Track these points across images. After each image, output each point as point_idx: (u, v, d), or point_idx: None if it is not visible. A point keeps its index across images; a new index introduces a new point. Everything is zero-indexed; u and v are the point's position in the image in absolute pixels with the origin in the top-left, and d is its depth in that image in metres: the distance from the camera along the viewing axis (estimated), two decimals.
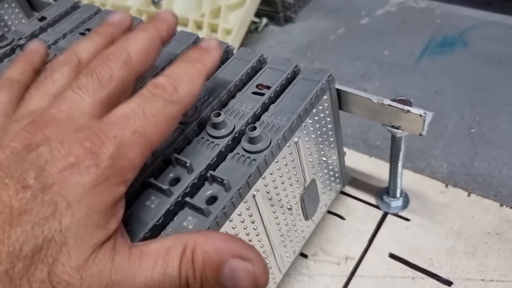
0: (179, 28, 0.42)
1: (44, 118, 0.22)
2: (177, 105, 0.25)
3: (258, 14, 0.76)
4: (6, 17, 0.55)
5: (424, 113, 0.33)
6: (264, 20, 0.77)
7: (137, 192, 0.29)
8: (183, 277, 0.21)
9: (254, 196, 0.30)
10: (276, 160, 0.31)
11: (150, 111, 0.23)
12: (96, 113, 0.23)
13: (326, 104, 0.35)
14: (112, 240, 0.21)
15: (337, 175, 0.41)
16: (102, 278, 0.20)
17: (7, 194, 0.20)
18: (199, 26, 0.71)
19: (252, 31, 0.76)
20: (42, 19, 0.47)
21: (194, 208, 0.27)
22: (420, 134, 0.34)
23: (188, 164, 0.29)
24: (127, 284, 0.20)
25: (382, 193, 0.44)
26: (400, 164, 0.39)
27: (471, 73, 0.59)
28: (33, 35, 0.45)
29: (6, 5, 0.55)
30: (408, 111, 0.33)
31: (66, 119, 0.22)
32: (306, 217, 0.37)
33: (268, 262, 0.34)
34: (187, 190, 0.28)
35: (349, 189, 0.46)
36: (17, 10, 0.56)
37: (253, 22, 0.76)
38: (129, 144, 0.22)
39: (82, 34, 0.43)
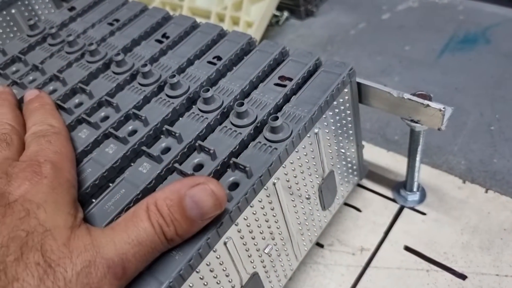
0: (203, 21, 0.43)
1: None
2: (62, 132, 0.31)
3: (280, 7, 0.76)
4: (36, 7, 0.57)
5: (443, 108, 0.33)
6: (285, 14, 0.77)
7: (163, 177, 0.30)
8: (156, 226, 0.24)
9: (274, 184, 0.31)
10: (296, 150, 0.32)
11: (52, 139, 0.29)
12: (16, 158, 0.28)
13: (346, 97, 0.36)
14: (84, 225, 0.25)
15: (354, 167, 0.42)
16: (86, 246, 0.23)
17: None
18: (221, 19, 0.72)
19: (273, 24, 0.77)
20: (71, 9, 0.49)
21: None
22: (439, 129, 0.35)
23: (211, 151, 0.30)
24: (108, 247, 0.23)
25: (399, 187, 0.45)
26: (418, 159, 0.40)
27: (493, 70, 0.59)
28: (63, 25, 0.47)
29: None
30: (428, 105, 0.34)
31: None
32: (324, 207, 0.38)
33: (285, 249, 0.35)
34: (211, 176, 0.29)
35: (366, 182, 0.46)
36: (47, 0, 0.58)
37: (274, 16, 0.77)
38: (58, 161, 0.27)
39: (110, 24, 0.45)
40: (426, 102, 0.34)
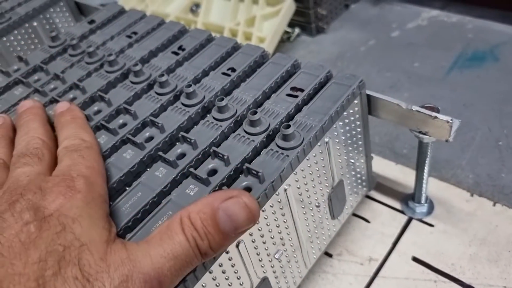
0: (217, 35, 0.45)
1: (12, 186, 0.26)
2: (94, 146, 0.32)
3: (291, 24, 0.78)
4: (57, 20, 0.59)
5: (451, 120, 0.34)
6: (297, 30, 0.79)
7: (178, 181, 0.31)
8: (190, 240, 0.24)
9: (285, 190, 0.32)
10: (307, 158, 0.33)
11: (84, 154, 0.30)
12: (48, 173, 0.28)
13: (356, 108, 0.37)
14: (118, 239, 0.25)
15: (363, 178, 0.42)
16: (123, 260, 0.23)
17: (9, 233, 0.23)
18: (234, 34, 0.74)
19: (284, 41, 0.79)
20: (91, 22, 0.51)
21: None
22: (446, 140, 0.35)
23: (225, 157, 0.31)
24: (145, 261, 0.23)
25: (408, 198, 0.45)
26: (426, 170, 0.41)
27: (501, 87, 0.60)
28: (83, 37, 0.49)
29: (58, 9, 0.59)
30: (436, 117, 0.35)
31: (30, 181, 0.27)
32: (333, 216, 0.39)
33: (295, 255, 0.36)
34: (223, 181, 0.30)
35: (374, 194, 0.47)
36: (67, 14, 0.61)
37: (286, 32, 0.78)
38: (91, 176, 0.28)
39: (129, 36, 0.47)
40: (434, 114, 0.35)
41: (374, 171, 0.46)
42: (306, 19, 0.78)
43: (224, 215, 0.24)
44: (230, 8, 0.76)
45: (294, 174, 0.32)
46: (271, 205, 0.31)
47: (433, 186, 0.46)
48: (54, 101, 0.40)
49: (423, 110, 0.35)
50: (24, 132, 0.32)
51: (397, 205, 0.46)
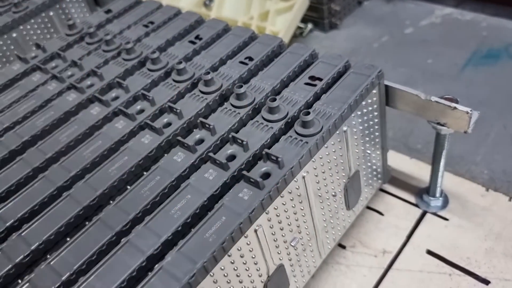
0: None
1: None
2: None
3: (304, 19, 0.78)
4: (73, 10, 0.60)
5: (470, 111, 0.34)
6: (310, 26, 0.79)
7: (197, 166, 0.31)
8: None
9: (304, 177, 0.32)
10: (326, 146, 0.33)
11: None
12: None
13: (374, 98, 0.37)
14: None
15: (379, 170, 0.42)
16: None
17: None
18: None
19: (297, 36, 0.79)
20: (108, 11, 0.51)
21: (250, 181, 0.29)
22: (465, 132, 0.35)
23: (244, 143, 0.31)
24: None
25: (422, 192, 0.45)
26: (442, 163, 0.40)
27: None
28: (100, 25, 0.49)
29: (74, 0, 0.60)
30: (455, 108, 0.34)
31: None
32: (348, 207, 0.39)
33: (310, 244, 0.36)
34: (242, 166, 0.30)
35: (388, 187, 0.47)
36: (83, 5, 0.61)
37: (299, 27, 0.78)
38: None
39: (145, 26, 0.47)
40: (453, 104, 0.35)
41: (388, 165, 0.46)
42: (319, 14, 0.77)
43: None
44: (243, 2, 0.76)
45: (313, 161, 0.32)
46: (290, 191, 0.31)
47: (447, 181, 0.46)
48: (72, 87, 0.40)
49: (442, 100, 0.35)
50: None
51: (411, 198, 0.45)
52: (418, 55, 0.68)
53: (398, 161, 0.49)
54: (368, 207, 0.45)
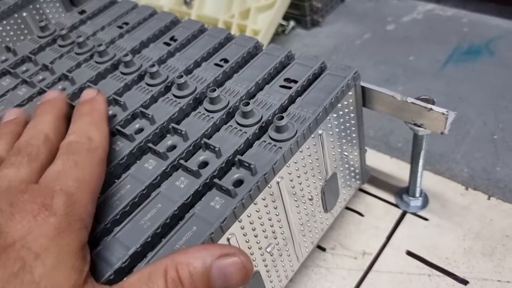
0: (209, 26, 0.44)
1: None
2: (98, 150, 0.28)
3: (286, 17, 0.77)
4: (47, 11, 0.58)
5: (446, 112, 0.34)
6: (292, 23, 0.78)
7: (168, 173, 0.30)
8: None
9: (278, 182, 0.31)
10: (300, 150, 0.32)
11: (80, 160, 0.26)
12: (35, 180, 0.25)
13: (350, 100, 0.37)
14: (90, 282, 0.22)
15: (357, 171, 0.42)
16: None
17: None
18: (228, 27, 0.73)
19: (279, 34, 0.78)
20: (82, 12, 0.50)
21: (222, 189, 0.28)
22: (442, 133, 0.35)
23: (217, 149, 0.30)
24: None
25: (402, 192, 0.45)
26: (420, 163, 0.40)
27: (496, 81, 0.60)
28: (73, 27, 0.48)
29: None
30: (431, 109, 0.34)
31: (7, 189, 0.23)
32: (326, 209, 0.38)
33: (287, 249, 0.35)
34: (215, 173, 0.30)
35: (369, 188, 0.47)
36: (57, 5, 0.60)
37: (281, 25, 0.78)
38: (76, 192, 0.24)
39: (120, 27, 0.46)
40: (429, 106, 0.34)
41: (368, 165, 0.45)
42: (301, 12, 0.77)
43: (219, 274, 0.22)
44: (224, 1, 0.75)
45: (287, 166, 0.31)
46: (263, 197, 0.30)
47: (427, 180, 0.46)
48: (42, 92, 0.39)
49: (418, 101, 0.35)
50: (33, 125, 0.29)
51: (391, 198, 0.45)
52: (400, 52, 0.68)
53: (378, 160, 0.49)
54: (349, 208, 0.45)
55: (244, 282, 0.23)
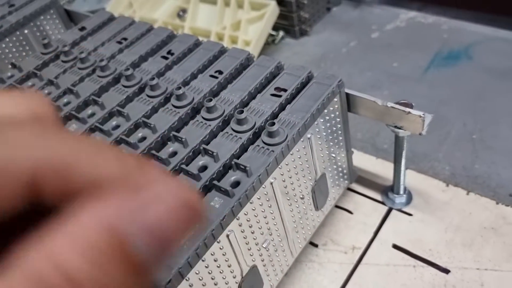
0: (203, 40, 0.47)
1: None
2: None
3: (275, 27, 0.80)
4: (47, 27, 0.61)
5: (423, 114, 0.37)
6: (281, 33, 0.81)
7: None
8: None
9: (271, 183, 0.34)
10: (291, 153, 0.35)
11: None
12: None
13: (336, 106, 0.40)
14: None
15: (345, 171, 0.45)
16: None
17: None
18: (220, 38, 0.77)
19: (269, 43, 0.81)
20: (82, 29, 0.53)
21: (221, 190, 0.31)
22: (420, 134, 0.38)
23: (215, 154, 0.33)
24: None
25: (387, 190, 0.48)
26: (403, 163, 0.43)
27: (475, 84, 0.63)
28: (75, 43, 0.51)
29: (48, 17, 0.61)
30: (409, 112, 0.37)
31: None
32: (317, 208, 0.41)
33: (282, 245, 0.38)
34: (214, 176, 0.33)
35: (357, 187, 0.50)
36: (57, 21, 0.62)
37: (271, 35, 0.81)
38: None
39: (119, 42, 0.49)
40: (407, 109, 0.37)
41: (356, 165, 0.49)
42: (290, 22, 0.80)
43: (145, 238, 0.12)
44: (216, 13, 0.79)
45: (279, 168, 0.34)
46: (259, 197, 0.33)
47: (411, 178, 0.49)
48: (95, 129, 0.39)
49: (397, 106, 0.38)
50: None
51: (378, 196, 0.48)
52: (384, 59, 0.72)
53: (365, 161, 0.52)
54: (338, 206, 0.48)
55: (194, 220, 0.14)
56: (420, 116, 0.37)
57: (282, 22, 0.81)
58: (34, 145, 0.12)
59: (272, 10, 0.75)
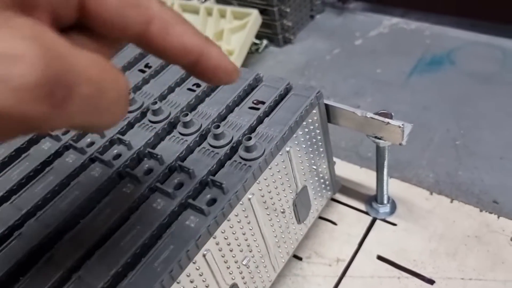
0: None
1: None
2: None
3: (259, 36, 0.80)
4: None
5: (402, 125, 0.37)
6: (265, 42, 0.81)
7: (144, 196, 0.32)
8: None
9: (249, 199, 0.33)
10: (269, 167, 0.35)
11: None
12: None
13: (315, 117, 0.39)
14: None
15: (327, 182, 0.44)
16: None
17: None
18: None
19: (253, 52, 0.81)
20: None
21: (196, 208, 0.30)
22: (400, 144, 0.38)
23: (191, 171, 0.33)
24: None
25: (371, 200, 0.47)
26: (385, 172, 0.43)
27: (457, 89, 0.63)
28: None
29: None
30: (388, 123, 0.37)
31: None
32: (299, 221, 0.41)
33: (263, 261, 0.37)
34: (190, 193, 0.32)
35: (341, 197, 0.49)
36: None
37: (254, 44, 0.80)
38: None
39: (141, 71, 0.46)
40: (386, 120, 0.37)
41: (339, 175, 0.48)
42: (273, 31, 0.80)
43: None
44: (198, 23, 0.78)
45: (257, 183, 0.34)
46: (236, 214, 0.32)
47: (395, 187, 0.48)
48: (70, 147, 0.37)
49: (376, 116, 0.37)
50: None
51: (362, 206, 0.48)
52: (368, 65, 0.72)
53: (349, 171, 0.51)
54: (322, 218, 0.48)
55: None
56: (399, 127, 0.36)
57: (266, 31, 0.81)
58: None
59: (254, 19, 0.75)
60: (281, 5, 0.77)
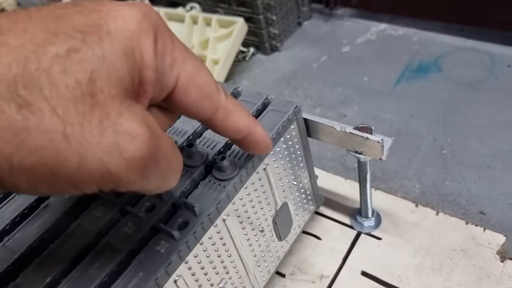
0: None
1: None
2: None
3: (246, 44, 0.79)
4: None
5: (381, 140, 0.36)
6: (251, 50, 0.80)
7: (115, 219, 0.31)
8: None
9: (224, 220, 0.32)
10: (245, 186, 0.34)
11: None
12: None
13: (294, 133, 0.38)
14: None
15: (309, 197, 0.43)
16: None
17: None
18: None
19: (240, 60, 0.80)
20: None
21: (167, 233, 0.29)
22: (380, 159, 0.37)
23: (162, 193, 0.32)
24: None
25: (356, 213, 0.46)
26: (368, 186, 0.42)
27: (444, 96, 0.62)
28: None
29: None
30: (368, 138, 0.36)
31: None
32: (280, 238, 0.40)
33: (241, 281, 0.36)
34: (161, 217, 0.31)
35: (325, 210, 0.48)
36: None
37: (241, 52, 0.80)
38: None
39: None
40: (365, 135, 0.36)
41: (324, 187, 0.47)
42: (260, 39, 0.79)
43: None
44: (184, 31, 0.77)
45: (232, 203, 0.33)
46: (210, 236, 0.31)
47: (379, 199, 0.48)
48: None
49: (355, 131, 0.37)
50: None
51: (347, 220, 0.47)
52: (355, 73, 0.71)
53: (333, 183, 0.50)
54: (306, 232, 0.47)
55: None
56: (379, 142, 0.36)
57: (252, 39, 0.80)
58: None
59: (240, 28, 0.74)
60: (267, 13, 0.76)
